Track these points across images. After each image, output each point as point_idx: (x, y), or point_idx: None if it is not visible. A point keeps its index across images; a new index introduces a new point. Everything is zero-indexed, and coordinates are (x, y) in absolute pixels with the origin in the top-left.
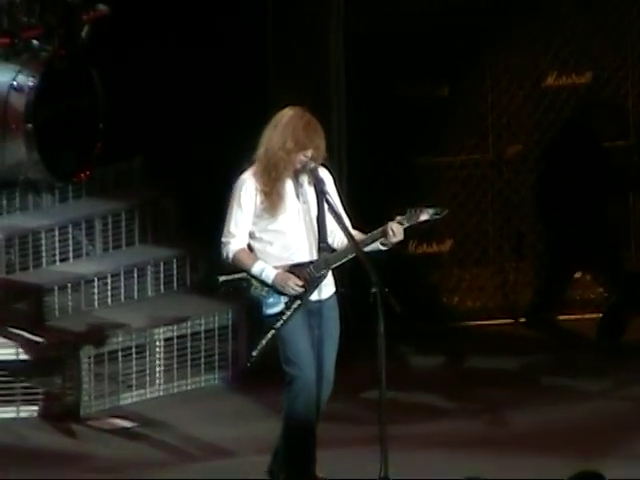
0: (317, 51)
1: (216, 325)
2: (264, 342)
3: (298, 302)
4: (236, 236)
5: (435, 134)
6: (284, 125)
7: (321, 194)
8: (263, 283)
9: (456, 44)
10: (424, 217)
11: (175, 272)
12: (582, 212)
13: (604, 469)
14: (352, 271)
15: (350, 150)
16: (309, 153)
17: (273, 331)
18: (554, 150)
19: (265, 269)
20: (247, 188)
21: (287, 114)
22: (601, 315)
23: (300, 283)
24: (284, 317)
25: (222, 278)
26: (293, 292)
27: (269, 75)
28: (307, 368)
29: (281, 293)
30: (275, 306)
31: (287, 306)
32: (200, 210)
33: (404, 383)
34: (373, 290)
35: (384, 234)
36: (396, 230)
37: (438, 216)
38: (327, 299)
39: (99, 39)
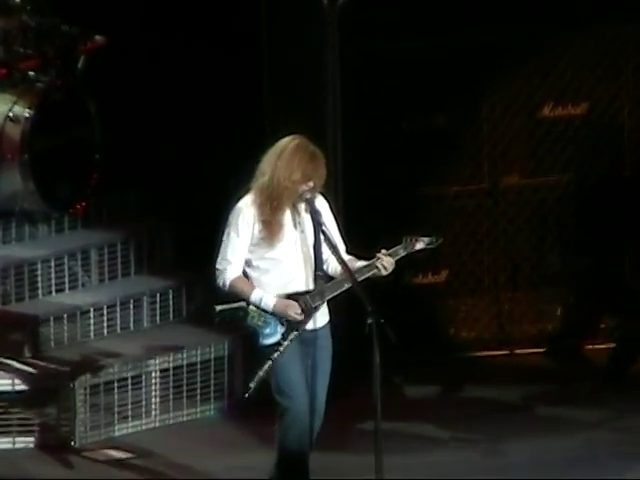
0: (313, 79)
1: (212, 356)
2: (261, 373)
3: (295, 333)
4: (232, 263)
5: (431, 164)
6: (290, 156)
7: (317, 225)
8: (261, 311)
9: (452, 73)
10: (419, 246)
11: (171, 303)
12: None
13: None
14: (349, 300)
15: (345, 179)
16: (312, 183)
17: (270, 362)
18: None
19: (264, 297)
20: (245, 216)
21: (292, 144)
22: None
23: (299, 311)
24: (281, 348)
25: (219, 308)
26: (293, 319)
27: (264, 105)
28: (299, 399)
29: (279, 322)
30: (272, 337)
31: (284, 337)
32: (196, 241)
33: (400, 413)
34: (369, 321)
35: (374, 268)
36: (386, 265)
37: (433, 245)
38: (321, 328)
39: (96, 70)
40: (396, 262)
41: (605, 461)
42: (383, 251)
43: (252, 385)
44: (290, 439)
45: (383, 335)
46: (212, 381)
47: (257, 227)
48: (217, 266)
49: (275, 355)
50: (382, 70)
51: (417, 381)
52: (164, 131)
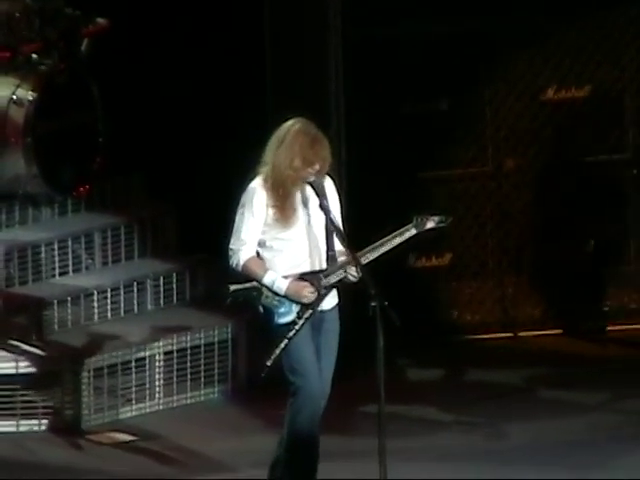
0: (315, 65)
1: (216, 339)
2: (278, 352)
3: (310, 311)
4: (247, 243)
5: (434, 147)
6: (290, 142)
7: (321, 208)
8: (274, 293)
9: (455, 57)
10: (430, 225)
11: (175, 286)
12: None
13: None
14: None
15: (348, 163)
16: (316, 167)
17: (287, 340)
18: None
19: (276, 280)
20: (258, 196)
21: (292, 130)
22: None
23: (313, 290)
24: (296, 326)
25: (232, 287)
26: (307, 301)
27: (267, 90)
28: (312, 378)
29: (293, 302)
30: (287, 315)
31: (299, 315)
32: (199, 224)
33: (403, 396)
34: (372, 304)
35: (343, 274)
36: (355, 275)
37: (444, 224)
38: (330, 310)
39: (99, 53)
40: (405, 242)
41: (605, 444)
42: (351, 256)
43: (269, 364)
44: (302, 419)
45: (386, 318)
46: (216, 364)
47: (270, 210)
48: (231, 246)
49: (291, 334)
50: (384, 54)
51: (420, 364)
52: (167, 114)
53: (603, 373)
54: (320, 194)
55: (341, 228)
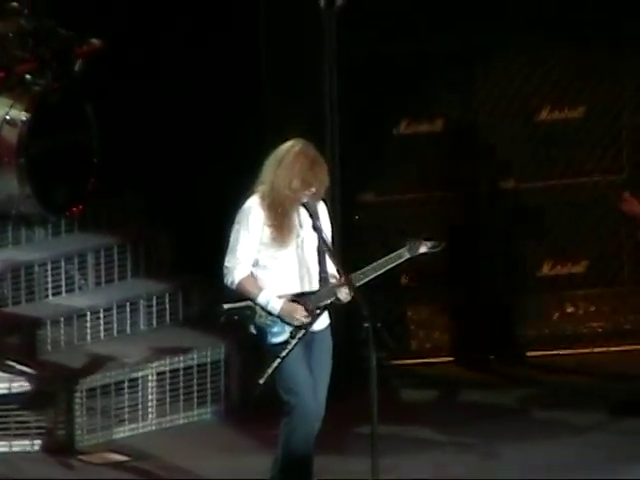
0: (311, 83)
1: (209, 359)
2: (270, 371)
3: (302, 332)
4: (242, 262)
5: (429, 168)
6: (290, 163)
7: (314, 229)
8: (268, 312)
9: (449, 77)
10: (423, 249)
11: (168, 306)
12: None
13: None
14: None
15: (344, 180)
16: (313, 189)
17: (280, 360)
18: None
19: (271, 300)
20: (255, 215)
21: (292, 151)
22: None
23: (305, 314)
24: (289, 346)
25: (226, 306)
26: (299, 323)
27: (263, 109)
28: (307, 396)
29: (286, 322)
30: (280, 335)
31: (292, 335)
32: (192, 244)
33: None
34: (365, 325)
35: (333, 296)
36: (344, 297)
37: (436, 249)
38: (322, 331)
39: (93, 73)
40: (399, 266)
41: (602, 464)
42: (343, 278)
43: (262, 382)
44: (297, 438)
45: (380, 340)
46: (209, 384)
47: (266, 229)
48: (226, 264)
49: (284, 353)
50: (378, 72)
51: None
52: (161, 135)
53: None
54: (313, 215)
55: (332, 250)
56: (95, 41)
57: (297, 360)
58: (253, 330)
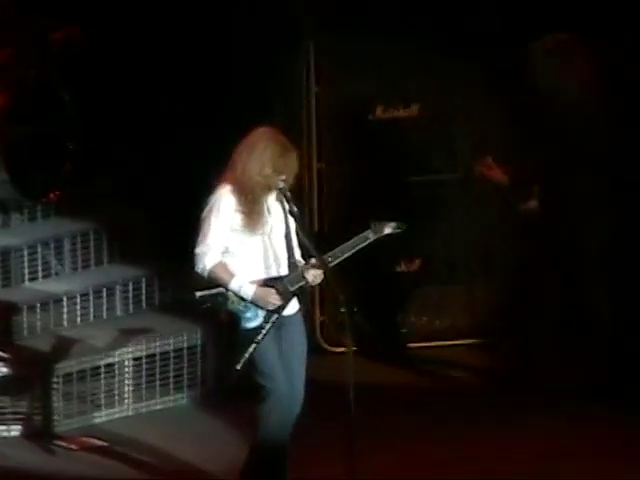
0: (285, 69)
1: (185, 345)
2: (247, 356)
3: (276, 316)
4: (213, 249)
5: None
6: (261, 151)
7: (291, 214)
8: (241, 298)
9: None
10: (387, 230)
11: (144, 291)
12: None
13: None
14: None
15: (322, 169)
16: (283, 176)
17: (255, 345)
18: None
19: (243, 285)
20: (226, 203)
21: (264, 138)
22: None
23: (278, 297)
24: (263, 331)
25: (199, 293)
26: (272, 307)
27: (237, 94)
28: (281, 381)
29: (259, 307)
30: (253, 320)
31: (265, 320)
32: (168, 229)
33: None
34: (342, 309)
35: (303, 279)
36: (315, 278)
37: (399, 230)
38: (293, 314)
39: (70, 59)
40: (366, 247)
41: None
42: (312, 260)
43: (239, 367)
44: (273, 422)
45: (356, 324)
46: (185, 369)
47: (237, 216)
48: (197, 250)
49: (259, 338)
50: (355, 61)
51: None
52: (136, 121)
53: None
54: (290, 201)
55: (309, 234)
56: (72, 27)
57: (269, 345)
58: (226, 317)
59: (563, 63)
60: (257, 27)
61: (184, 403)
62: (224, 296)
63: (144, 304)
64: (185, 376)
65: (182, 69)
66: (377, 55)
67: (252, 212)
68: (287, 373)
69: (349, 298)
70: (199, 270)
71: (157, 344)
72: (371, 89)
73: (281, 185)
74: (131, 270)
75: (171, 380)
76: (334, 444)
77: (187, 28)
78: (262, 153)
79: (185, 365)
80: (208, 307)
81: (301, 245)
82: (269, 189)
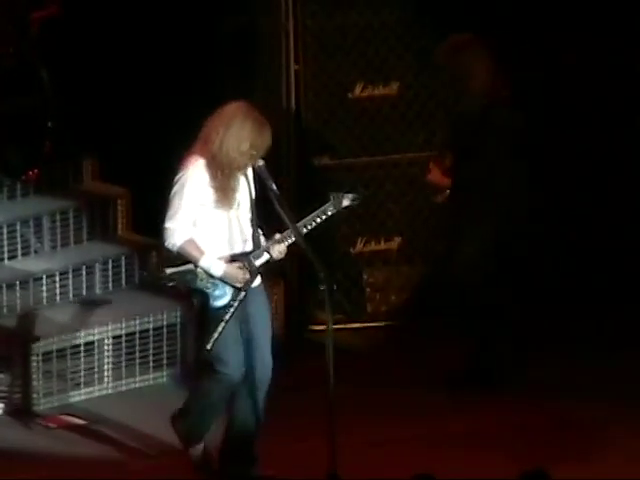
0: (267, 44)
1: (164, 323)
2: (217, 335)
3: (243, 293)
4: (182, 224)
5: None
6: (239, 127)
7: (270, 191)
8: (210, 276)
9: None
10: (346, 202)
11: (123, 270)
12: None
13: None
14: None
15: (297, 147)
16: (255, 152)
17: (224, 323)
18: None
19: (213, 263)
20: (196, 177)
21: (240, 114)
22: None
23: (247, 276)
24: (232, 309)
25: (168, 270)
26: (241, 284)
27: (220, 74)
28: (235, 366)
29: (227, 284)
30: (222, 298)
31: (233, 297)
32: (148, 207)
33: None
34: (322, 287)
35: (268, 254)
36: (281, 251)
37: (357, 202)
38: (256, 287)
39: (48, 37)
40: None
41: None
42: (277, 235)
43: (209, 347)
44: (213, 398)
45: (336, 302)
46: (165, 348)
47: (208, 190)
48: (167, 225)
49: (227, 316)
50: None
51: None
52: (118, 98)
53: None
54: (266, 177)
55: (288, 211)
56: (51, 5)
57: (229, 329)
58: (195, 297)
59: (460, 61)
60: (236, 6)
61: (164, 381)
62: (193, 273)
63: (124, 282)
64: (165, 355)
65: (162, 46)
66: (357, 33)
67: (226, 188)
68: (253, 344)
69: (329, 276)
70: (169, 245)
71: (137, 322)
72: (351, 67)
73: (260, 163)
74: (111, 248)
75: (151, 358)
76: (314, 420)
77: (166, 10)
78: (240, 129)
79: (165, 343)
80: (176, 284)
81: (280, 220)
82: (245, 165)
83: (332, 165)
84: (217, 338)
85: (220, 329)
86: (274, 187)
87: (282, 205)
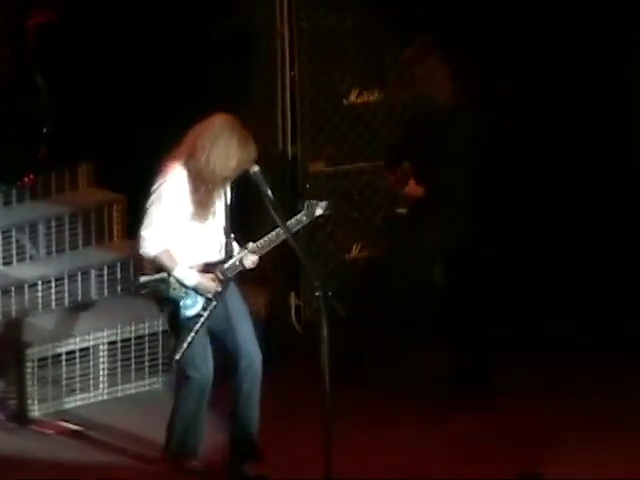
0: (263, 48)
1: (160, 329)
2: (186, 345)
3: (214, 303)
4: (159, 233)
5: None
6: (226, 142)
7: (266, 197)
8: (183, 285)
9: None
10: (319, 212)
11: (119, 276)
12: None
13: None
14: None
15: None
16: (246, 166)
17: (194, 334)
18: None
19: (188, 274)
20: (177, 189)
21: (225, 129)
22: None
23: (220, 285)
24: (202, 319)
25: (142, 279)
26: (212, 295)
27: (215, 78)
28: (204, 371)
29: (199, 294)
30: (192, 307)
31: (204, 307)
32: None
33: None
34: (317, 294)
35: (241, 266)
36: (254, 262)
37: (329, 211)
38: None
39: (45, 43)
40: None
41: None
42: (250, 245)
43: (178, 358)
44: (188, 404)
45: (331, 309)
46: (160, 354)
47: (187, 202)
48: (143, 233)
49: (197, 327)
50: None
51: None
52: (114, 104)
53: None
54: (261, 184)
55: (281, 217)
56: (48, 10)
57: (200, 334)
58: (165, 308)
59: (419, 72)
60: (232, 9)
61: (159, 387)
62: (166, 282)
63: (119, 288)
64: (160, 360)
65: (157, 54)
66: (352, 39)
67: (207, 202)
68: (239, 339)
69: (324, 283)
70: (144, 254)
71: (132, 328)
72: (346, 74)
73: (256, 168)
74: (106, 254)
75: (146, 364)
76: (310, 426)
77: (164, 7)
78: (227, 146)
79: (160, 349)
80: (148, 292)
81: (274, 227)
82: (230, 179)
83: (328, 171)
84: (186, 348)
85: (189, 339)
86: (269, 193)
87: (277, 211)
